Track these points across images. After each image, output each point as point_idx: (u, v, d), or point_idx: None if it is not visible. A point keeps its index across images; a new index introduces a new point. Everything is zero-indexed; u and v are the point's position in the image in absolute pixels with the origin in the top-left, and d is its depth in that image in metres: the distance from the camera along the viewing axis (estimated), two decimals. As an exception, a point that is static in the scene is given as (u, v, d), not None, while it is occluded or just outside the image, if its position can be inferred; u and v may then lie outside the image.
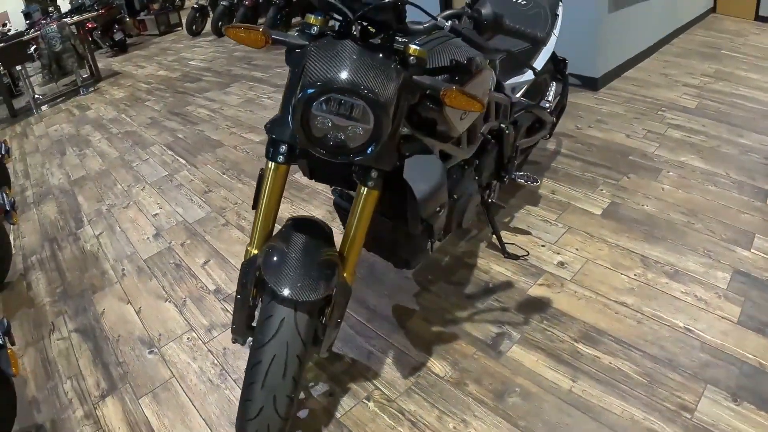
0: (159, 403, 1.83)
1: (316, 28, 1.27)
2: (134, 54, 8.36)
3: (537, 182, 2.15)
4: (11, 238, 3.18)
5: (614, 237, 2.21)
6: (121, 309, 2.35)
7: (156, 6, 9.32)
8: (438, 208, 1.49)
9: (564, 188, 2.60)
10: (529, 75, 2.01)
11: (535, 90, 2.61)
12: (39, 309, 2.47)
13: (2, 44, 5.86)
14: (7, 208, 2.53)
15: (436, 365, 1.77)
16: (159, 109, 5.20)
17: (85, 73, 6.76)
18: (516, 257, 2.17)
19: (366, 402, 1.69)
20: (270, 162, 1.36)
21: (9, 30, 8.18)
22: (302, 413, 1.69)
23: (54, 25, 5.99)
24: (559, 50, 2.41)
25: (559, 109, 2.68)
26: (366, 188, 1.35)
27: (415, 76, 1.25)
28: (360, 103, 1.16)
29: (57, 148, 4.68)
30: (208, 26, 8.23)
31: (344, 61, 1.18)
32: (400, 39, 1.26)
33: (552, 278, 2.05)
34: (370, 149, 1.23)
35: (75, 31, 6.38)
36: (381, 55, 1.22)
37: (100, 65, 7.92)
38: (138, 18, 9.39)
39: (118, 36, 8.07)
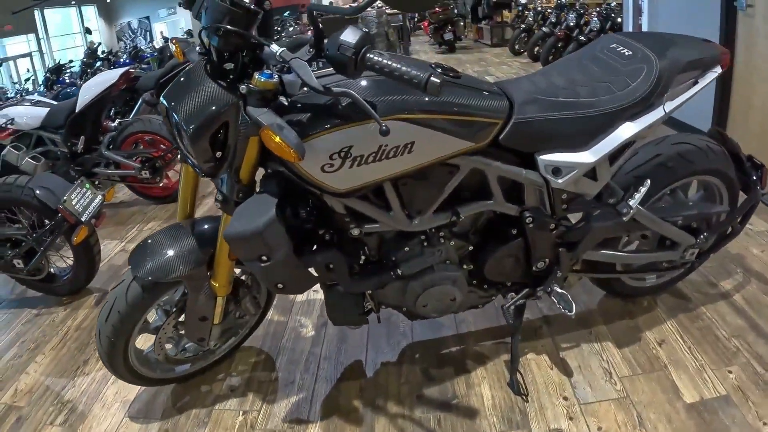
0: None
1: (199, 47, 1.26)
2: (456, 56, 8.98)
3: (570, 312, 1.49)
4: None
5: (670, 444, 1.38)
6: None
7: (500, 19, 9.68)
8: (262, 257, 1.23)
9: (679, 345, 1.72)
10: (591, 156, 1.37)
11: (706, 194, 1.78)
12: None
13: (330, 16, 7.07)
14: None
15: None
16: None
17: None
18: (518, 392, 1.58)
19: (239, 414, 1.64)
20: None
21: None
22: (204, 388, 1.76)
23: (374, 11, 6.90)
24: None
25: (723, 234, 1.76)
26: None
27: (250, 108, 1.10)
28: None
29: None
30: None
31: (181, 81, 1.20)
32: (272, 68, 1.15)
33: (525, 439, 1.44)
34: (198, 168, 1.23)
35: (389, 19, 7.21)
36: (212, 81, 1.15)
37: (424, 57, 8.81)
38: (479, 26, 9.97)
39: (447, 36, 8.76)
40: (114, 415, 1.69)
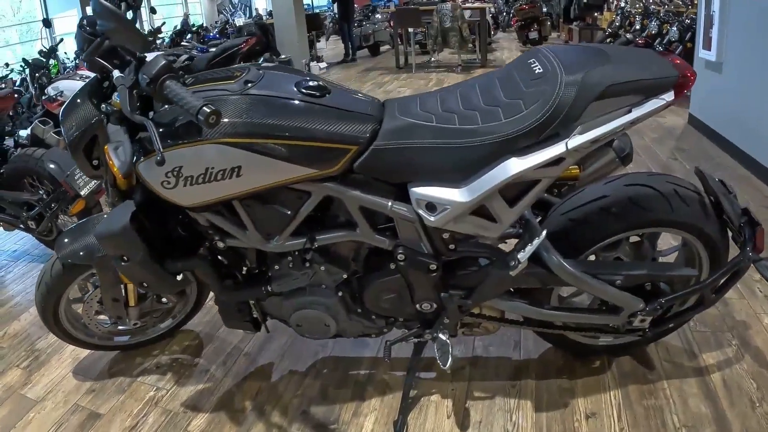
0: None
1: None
2: (538, 56, 8.29)
3: (443, 366, 1.27)
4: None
5: None
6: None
7: (590, 20, 8.80)
8: (123, 257, 1.27)
9: (611, 423, 1.42)
10: (467, 193, 1.12)
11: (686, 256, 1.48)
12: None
13: (402, 7, 6.78)
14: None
15: (199, 422, 1.55)
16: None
17: (473, 57, 7.20)
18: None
19: (153, 389, 1.69)
20: None
21: None
22: (138, 359, 1.83)
23: (449, 5, 6.50)
24: None
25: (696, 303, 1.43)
26: None
27: (110, 124, 1.16)
28: None
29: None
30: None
31: (74, 97, 1.24)
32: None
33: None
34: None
35: (465, 15, 6.78)
36: (88, 96, 1.20)
37: (505, 55, 8.29)
38: (570, 26, 9.15)
39: (532, 35, 8.11)
40: (63, 369, 1.82)
